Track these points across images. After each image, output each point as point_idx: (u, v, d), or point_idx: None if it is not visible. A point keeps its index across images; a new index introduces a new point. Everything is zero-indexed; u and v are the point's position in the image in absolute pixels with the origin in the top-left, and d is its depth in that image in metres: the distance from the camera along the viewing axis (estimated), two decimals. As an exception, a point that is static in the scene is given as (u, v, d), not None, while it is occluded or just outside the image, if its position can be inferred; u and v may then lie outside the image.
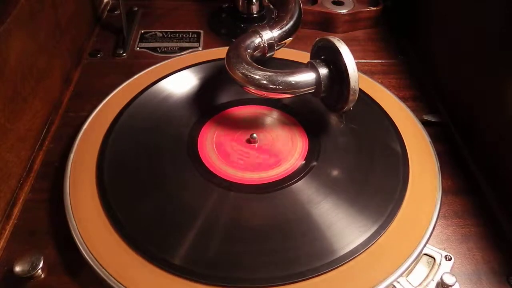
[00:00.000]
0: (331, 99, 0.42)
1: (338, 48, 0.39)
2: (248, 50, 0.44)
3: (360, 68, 0.54)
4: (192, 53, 0.55)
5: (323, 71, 0.40)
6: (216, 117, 0.45)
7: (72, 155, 0.40)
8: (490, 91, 0.42)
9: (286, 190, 0.38)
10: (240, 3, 0.60)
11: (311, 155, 0.41)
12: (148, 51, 0.57)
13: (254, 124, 0.45)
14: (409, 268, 0.34)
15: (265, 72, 0.40)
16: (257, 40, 0.45)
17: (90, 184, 0.38)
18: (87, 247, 0.33)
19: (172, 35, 0.60)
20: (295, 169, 0.40)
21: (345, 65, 0.38)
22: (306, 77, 0.40)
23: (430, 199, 0.38)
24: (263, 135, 0.43)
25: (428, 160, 0.41)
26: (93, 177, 0.38)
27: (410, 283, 0.33)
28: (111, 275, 0.32)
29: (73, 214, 0.35)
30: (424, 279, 0.33)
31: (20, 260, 0.33)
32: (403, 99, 0.49)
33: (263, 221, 0.36)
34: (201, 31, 0.61)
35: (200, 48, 0.58)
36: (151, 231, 0.35)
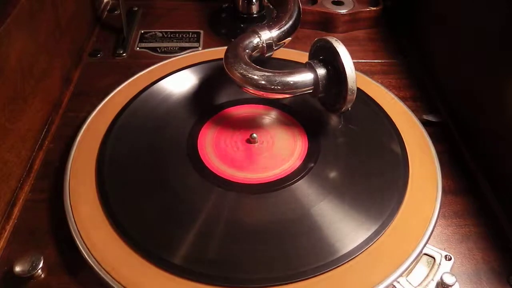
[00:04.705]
0: (329, 99, 0.42)
1: (336, 49, 0.39)
2: (247, 50, 0.44)
3: (360, 68, 0.54)
4: (192, 53, 0.55)
5: (321, 71, 0.40)
6: (216, 117, 0.45)
7: (72, 155, 0.40)
8: (490, 91, 0.42)
9: (286, 190, 0.38)
10: (240, 3, 0.60)
11: (311, 155, 0.41)
12: (148, 51, 0.57)
13: (253, 124, 0.45)
14: (409, 268, 0.34)
15: (263, 72, 0.40)
16: (255, 40, 0.45)
17: (90, 184, 0.38)
18: (87, 247, 0.33)
19: (172, 35, 0.60)
20: (295, 169, 0.40)
21: (343, 65, 0.38)
22: (304, 77, 0.40)
23: (430, 199, 0.38)
24: (263, 135, 0.43)
25: (428, 160, 0.41)
26: (93, 177, 0.38)
27: (410, 283, 0.33)
28: (111, 275, 0.32)
29: (73, 214, 0.36)
30: (424, 279, 0.33)
31: (20, 260, 0.33)
32: (403, 99, 0.49)
33: (263, 221, 0.36)
34: (201, 31, 0.61)
35: (200, 48, 0.58)
36: (151, 231, 0.35)
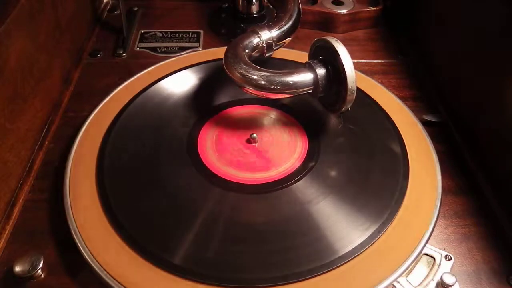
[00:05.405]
0: (329, 99, 0.42)
1: (335, 49, 0.39)
2: (247, 50, 0.44)
3: (360, 68, 0.54)
4: (192, 53, 0.55)
5: (321, 71, 0.40)
6: (216, 117, 0.45)
7: (72, 155, 0.40)
8: (490, 91, 0.42)
9: (286, 190, 0.38)
10: (240, 3, 0.60)
11: (311, 155, 0.41)
12: (148, 51, 0.57)
13: (254, 124, 0.45)
14: (409, 268, 0.34)
15: (263, 72, 0.40)
16: (255, 40, 0.45)
17: (90, 184, 0.38)
18: (87, 247, 0.33)
19: (172, 35, 0.60)
20: (295, 169, 0.40)
21: (342, 65, 0.38)
22: (304, 77, 0.40)
23: (430, 199, 0.38)
24: (263, 135, 0.43)
25: (428, 160, 0.41)
26: (93, 177, 0.38)
27: (410, 283, 0.33)
28: (111, 275, 0.32)
29: (73, 214, 0.36)
30: (424, 279, 0.33)
31: (20, 260, 0.33)
32: (403, 99, 0.49)
33: (263, 221, 0.36)
34: (201, 31, 0.61)
35: (200, 48, 0.58)
36: (151, 231, 0.35)
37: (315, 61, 0.41)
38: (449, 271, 0.34)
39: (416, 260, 0.34)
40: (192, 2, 0.67)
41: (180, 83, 0.48)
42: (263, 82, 0.39)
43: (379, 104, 0.46)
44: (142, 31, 0.60)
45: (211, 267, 0.32)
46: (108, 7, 0.66)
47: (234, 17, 0.61)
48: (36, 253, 0.33)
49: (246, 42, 0.44)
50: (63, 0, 0.51)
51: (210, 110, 0.46)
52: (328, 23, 0.61)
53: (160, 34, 0.60)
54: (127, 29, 0.58)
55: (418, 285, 0.33)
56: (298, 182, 0.39)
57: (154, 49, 0.57)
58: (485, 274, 0.35)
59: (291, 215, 0.36)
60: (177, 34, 0.60)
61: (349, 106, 0.41)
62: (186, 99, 0.47)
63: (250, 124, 0.45)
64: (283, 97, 0.42)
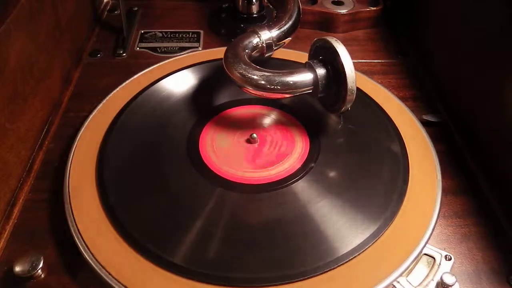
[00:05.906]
0: (329, 99, 0.42)
1: (335, 48, 0.39)
2: (246, 50, 0.44)
3: (360, 68, 0.54)
4: (192, 53, 0.55)
5: (321, 71, 0.40)
6: (216, 117, 0.45)
7: (72, 155, 0.40)
8: (490, 91, 0.42)
9: (286, 190, 0.38)
10: (240, 3, 0.60)
11: (311, 155, 0.41)
12: (148, 51, 0.57)
13: (254, 124, 0.45)
14: (409, 268, 0.34)
15: (263, 72, 0.40)
16: (255, 40, 0.45)
17: (90, 184, 0.38)
18: (87, 247, 0.33)
19: (172, 35, 0.60)
20: (295, 169, 0.40)
21: (342, 65, 0.38)
22: (304, 77, 0.40)
23: (430, 199, 0.38)
24: (263, 135, 0.43)
25: (428, 160, 0.41)
26: (93, 177, 0.38)
27: (410, 283, 0.33)
28: (111, 275, 0.32)
29: (73, 214, 0.36)
30: (424, 279, 0.33)
31: (20, 260, 0.33)
32: (403, 99, 0.49)
33: (263, 220, 0.36)
34: (201, 31, 0.61)
35: (200, 48, 0.58)
36: (151, 231, 0.35)
37: (315, 61, 0.41)
38: (449, 271, 0.34)
39: (416, 260, 0.34)
40: (192, 2, 0.67)
41: (180, 83, 0.48)
42: (263, 82, 0.39)
43: (379, 104, 0.46)
44: (142, 31, 0.60)
45: (211, 267, 0.32)
46: (108, 7, 0.66)
47: (234, 17, 0.61)
48: (36, 253, 0.33)
49: (246, 42, 0.44)
50: (63, 0, 0.51)
51: (210, 110, 0.46)
52: (328, 23, 0.61)
53: (160, 34, 0.60)
54: (127, 29, 0.59)
55: (418, 285, 0.33)
56: (298, 182, 0.39)
57: (154, 49, 0.57)
58: (485, 274, 0.35)
59: (291, 215, 0.36)
60: (177, 34, 0.60)
61: (349, 106, 0.41)
62: (186, 99, 0.47)
63: (250, 124, 0.45)
64: (283, 97, 0.42)
